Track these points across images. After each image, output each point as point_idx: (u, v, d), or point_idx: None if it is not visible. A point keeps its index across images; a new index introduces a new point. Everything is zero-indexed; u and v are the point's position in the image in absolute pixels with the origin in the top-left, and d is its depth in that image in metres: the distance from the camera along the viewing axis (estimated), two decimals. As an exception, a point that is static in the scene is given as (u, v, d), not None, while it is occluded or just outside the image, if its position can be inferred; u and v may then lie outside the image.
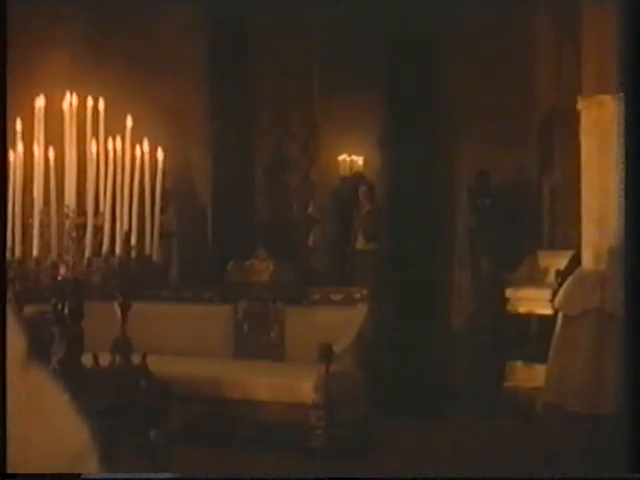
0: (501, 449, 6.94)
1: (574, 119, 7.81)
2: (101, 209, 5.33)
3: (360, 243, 10.97)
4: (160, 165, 5.59)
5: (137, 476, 4.89)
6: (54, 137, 5.27)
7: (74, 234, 5.27)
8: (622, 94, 4.92)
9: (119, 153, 5.38)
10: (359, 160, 14.49)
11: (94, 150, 5.29)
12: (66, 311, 5.34)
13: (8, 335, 1.48)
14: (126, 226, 5.41)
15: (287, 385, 7.16)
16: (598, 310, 7.23)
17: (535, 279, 11.05)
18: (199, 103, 11.45)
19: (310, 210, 12.29)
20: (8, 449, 1.43)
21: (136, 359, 5.65)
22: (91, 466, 1.49)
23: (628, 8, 4.18)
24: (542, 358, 8.01)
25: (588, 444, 6.56)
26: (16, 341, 1.48)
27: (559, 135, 11.13)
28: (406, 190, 8.82)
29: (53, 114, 5.19)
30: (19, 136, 5.20)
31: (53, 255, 5.25)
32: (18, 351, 1.49)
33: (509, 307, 10.57)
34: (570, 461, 6.36)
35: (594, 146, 7.34)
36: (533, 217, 12.05)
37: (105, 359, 5.63)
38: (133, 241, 5.46)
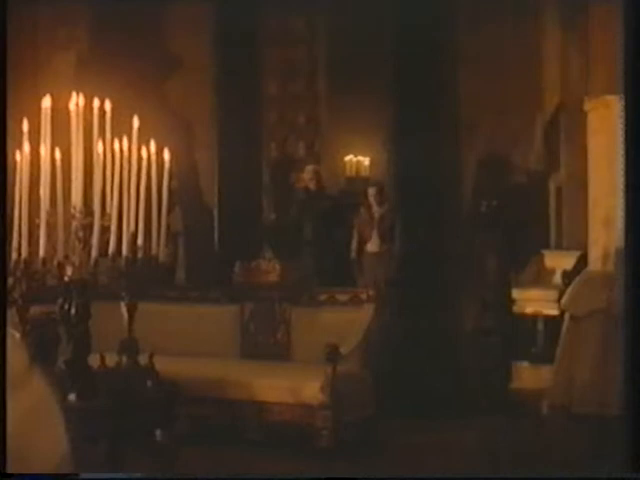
0: (506, 450, 6.93)
1: (581, 119, 7.80)
2: (108, 209, 5.34)
3: (366, 244, 10.95)
4: (166, 165, 5.60)
5: (136, 476, 4.89)
6: (61, 137, 5.27)
7: (81, 234, 5.27)
8: (622, 95, 4.92)
9: (126, 153, 5.38)
10: (365, 161, 14.49)
11: (101, 151, 5.29)
12: (73, 311, 5.34)
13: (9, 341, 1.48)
14: (133, 226, 5.41)
15: (293, 386, 7.16)
16: (605, 311, 7.21)
17: (542, 280, 11.03)
18: (205, 103, 11.44)
19: (316, 211, 12.27)
20: (8, 449, 1.43)
21: (143, 359, 5.65)
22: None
23: (629, 8, 4.18)
24: (549, 359, 7.99)
25: (594, 444, 6.55)
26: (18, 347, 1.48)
27: (566, 135, 11.11)
28: (412, 191, 8.80)
29: (60, 114, 5.19)
30: (26, 136, 5.20)
31: (60, 255, 5.26)
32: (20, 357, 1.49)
33: (516, 308, 10.55)
34: (575, 461, 6.35)
35: (601, 146, 7.32)
36: (540, 217, 12.03)
37: (112, 359, 5.63)
38: (140, 241, 5.46)
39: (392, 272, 9.32)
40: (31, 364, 1.59)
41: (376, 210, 10.55)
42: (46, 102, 5.16)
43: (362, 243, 10.71)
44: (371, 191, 10.69)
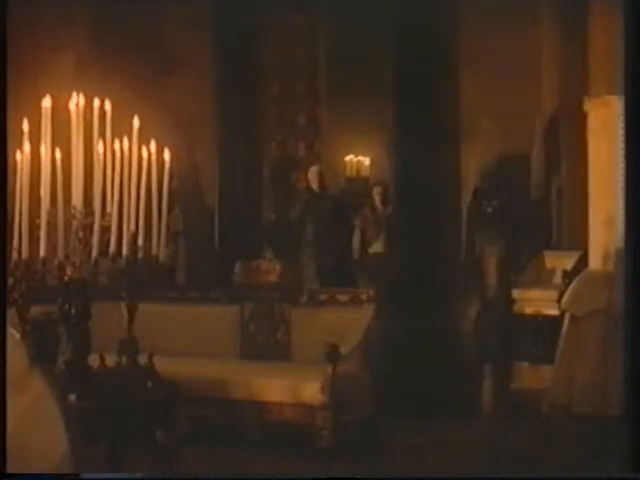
0: (506, 450, 6.93)
1: (581, 120, 7.79)
2: (108, 210, 5.34)
3: (369, 244, 10.94)
4: (166, 165, 5.60)
5: (136, 476, 4.90)
6: (61, 137, 5.27)
7: (81, 234, 5.27)
8: (622, 95, 4.93)
9: (126, 154, 5.38)
10: (366, 161, 14.47)
11: (101, 151, 5.29)
12: (73, 312, 5.34)
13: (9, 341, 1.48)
14: (133, 227, 5.41)
15: (294, 386, 7.16)
16: (605, 311, 7.21)
17: (542, 280, 11.01)
18: (205, 103, 11.45)
19: (316, 211, 12.27)
20: (8, 449, 1.43)
21: (143, 360, 5.65)
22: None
23: (629, 8, 4.19)
24: (549, 359, 7.99)
25: (594, 444, 6.55)
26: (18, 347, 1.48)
27: (566, 136, 11.11)
28: (412, 191, 8.81)
29: (60, 114, 5.19)
30: (26, 136, 5.20)
31: (60, 255, 5.25)
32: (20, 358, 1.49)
33: (516, 308, 10.55)
34: (575, 461, 6.35)
35: (601, 146, 7.32)
36: (540, 218, 12.02)
37: (112, 360, 5.63)
38: (140, 242, 5.46)
39: (393, 272, 9.31)
40: (31, 364, 1.59)
41: (381, 210, 10.55)
42: (46, 102, 5.15)
43: (365, 243, 10.70)
44: (376, 190, 10.67)
